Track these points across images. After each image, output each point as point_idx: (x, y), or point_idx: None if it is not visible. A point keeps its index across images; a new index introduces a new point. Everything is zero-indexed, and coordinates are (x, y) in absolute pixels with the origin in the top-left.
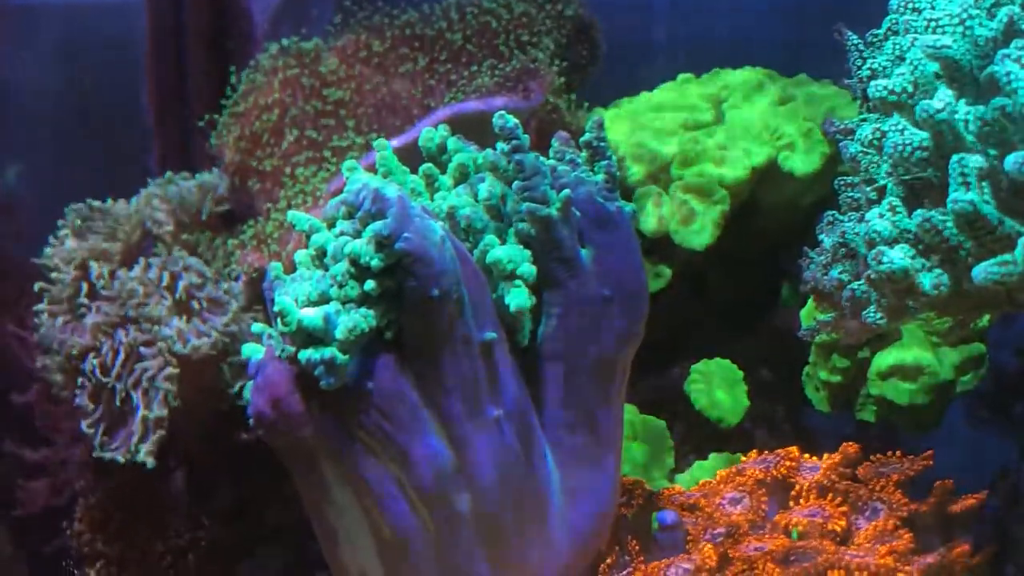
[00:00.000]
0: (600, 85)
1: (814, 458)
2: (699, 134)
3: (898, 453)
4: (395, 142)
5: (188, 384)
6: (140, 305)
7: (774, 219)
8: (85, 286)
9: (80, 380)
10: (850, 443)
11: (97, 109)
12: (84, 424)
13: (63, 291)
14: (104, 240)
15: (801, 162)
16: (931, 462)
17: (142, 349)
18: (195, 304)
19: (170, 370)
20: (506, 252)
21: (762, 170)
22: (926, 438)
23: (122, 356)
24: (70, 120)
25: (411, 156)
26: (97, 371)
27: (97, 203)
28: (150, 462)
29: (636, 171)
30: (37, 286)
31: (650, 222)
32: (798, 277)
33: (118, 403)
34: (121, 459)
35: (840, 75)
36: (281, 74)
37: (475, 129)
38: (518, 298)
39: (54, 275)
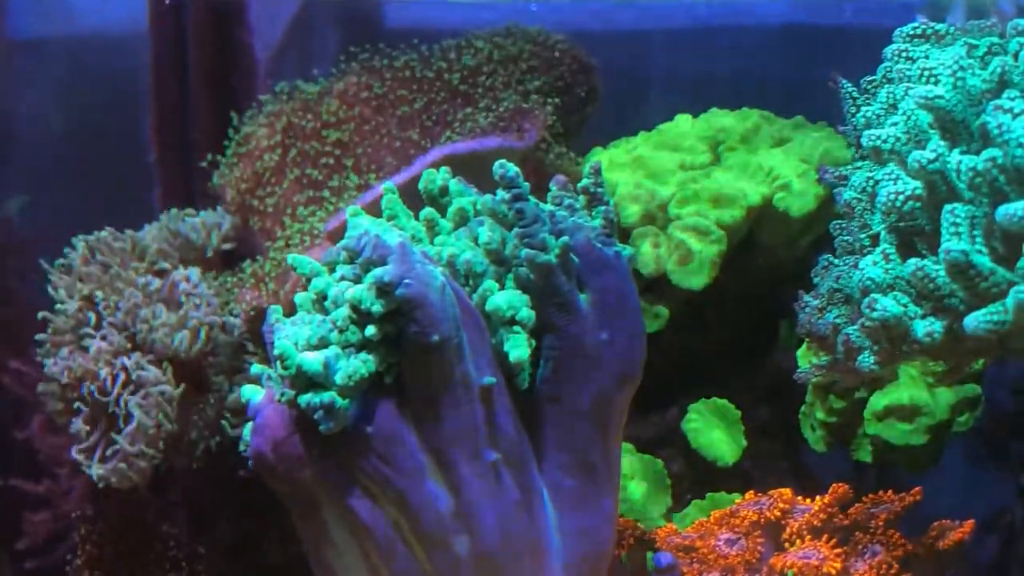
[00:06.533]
0: (598, 125)
1: (807, 500)
2: (697, 174)
3: (889, 492)
4: (390, 181)
5: (184, 410)
6: (136, 307)
7: (772, 258)
8: (93, 317)
9: (77, 404)
10: (840, 484)
11: (99, 144)
12: (74, 450)
13: (67, 322)
14: (111, 273)
15: (796, 203)
16: (919, 497)
17: (141, 373)
18: (182, 298)
19: (166, 388)
20: (505, 299)
21: (759, 210)
22: (924, 478)
23: (122, 378)
24: (72, 155)
25: (406, 196)
26: (96, 393)
27: (104, 233)
28: (125, 472)
29: (634, 211)
30: (41, 315)
31: (648, 262)
32: (796, 317)
33: (121, 423)
34: (113, 479)
35: (837, 115)
36: (283, 118)
37: (471, 169)
38: (517, 348)
39: (59, 306)
